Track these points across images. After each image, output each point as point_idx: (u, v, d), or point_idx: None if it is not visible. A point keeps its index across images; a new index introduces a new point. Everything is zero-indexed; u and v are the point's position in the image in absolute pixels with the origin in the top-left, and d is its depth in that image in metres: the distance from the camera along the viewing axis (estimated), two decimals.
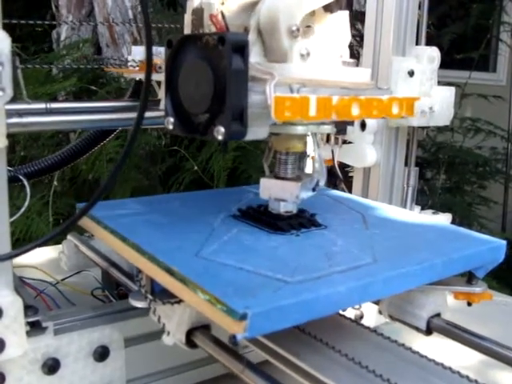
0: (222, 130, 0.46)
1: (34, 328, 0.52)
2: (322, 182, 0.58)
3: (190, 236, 0.55)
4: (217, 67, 0.45)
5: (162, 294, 0.51)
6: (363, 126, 0.79)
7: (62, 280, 0.81)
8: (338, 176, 0.83)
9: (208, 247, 0.51)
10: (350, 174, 0.91)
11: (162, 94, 0.65)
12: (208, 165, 1.84)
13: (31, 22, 0.70)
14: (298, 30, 0.51)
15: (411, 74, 0.76)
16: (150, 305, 0.52)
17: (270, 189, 0.58)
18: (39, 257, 0.93)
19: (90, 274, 0.79)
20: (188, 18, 0.54)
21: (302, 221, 0.58)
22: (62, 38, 2.24)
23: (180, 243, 0.53)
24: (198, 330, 0.51)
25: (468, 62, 3.00)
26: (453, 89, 0.79)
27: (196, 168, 1.84)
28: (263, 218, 0.59)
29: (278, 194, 0.57)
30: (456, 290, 0.57)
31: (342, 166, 0.83)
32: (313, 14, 0.54)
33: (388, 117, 0.53)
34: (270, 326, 0.40)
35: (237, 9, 0.53)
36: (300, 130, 0.53)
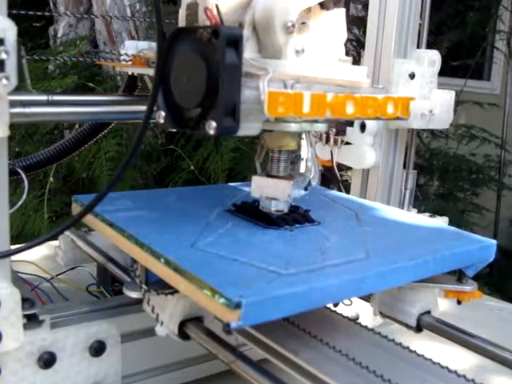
0: (214, 124, 0.45)
1: (31, 321, 0.52)
2: (315, 182, 0.58)
3: (186, 229, 0.55)
4: (210, 61, 0.44)
5: (157, 285, 0.51)
6: (363, 127, 0.79)
7: (57, 275, 0.81)
8: (336, 177, 0.83)
9: (203, 239, 0.52)
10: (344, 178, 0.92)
11: None
12: (205, 165, 1.84)
13: (31, 12, 0.69)
14: (293, 26, 0.50)
15: (412, 76, 0.76)
16: (144, 295, 0.52)
17: (261, 187, 0.57)
18: (34, 252, 0.92)
19: (85, 269, 0.79)
20: (182, 12, 0.54)
21: (295, 217, 0.59)
22: (59, 34, 2.23)
23: (176, 235, 0.53)
24: (191, 322, 0.51)
25: (463, 69, 3.01)
26: (453, 92, 0.79)
27: (192, 168, 1.83)
28: (258, 213, 0.59)
29: (269, 193, 0.56)
30: (446, 289, 0.58)
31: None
32: (308, 10, 0.53)
33: (383, 116, 0.52)
34: (264, 316, 0.41)
35: (232, 4, 0.52)
36: (293, 127, 0.52)
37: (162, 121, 0.49)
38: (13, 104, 0.46)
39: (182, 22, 0.54)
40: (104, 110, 0.58)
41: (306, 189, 0.58)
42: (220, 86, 0.43)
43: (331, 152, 0.81)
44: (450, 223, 0.76)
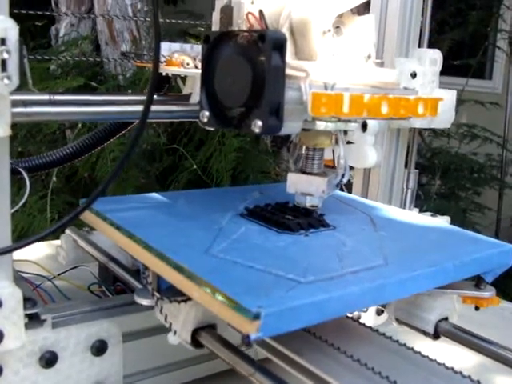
0: (260, 123, 0.47)
1: (33, 320, 0.52)
2: (346, 179, 0.59)
3: (198, 234, 0.54)
4: (255, 63, 0.47)
5: (169, 292, 0.50)
6: (364, 126, 0.79)
7: (59, 275, 0.81)
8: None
9: (217, 245, 0.51)
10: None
11: (187, 89, 0.67)
12: (208, 164, 1.82)
13: (32, 12, 0.69)
14: (329, 30, 0.53)
15: (413, 75, 0.76)
16: (156, 303, 0.51)
17: (296, 183, 0.59)
18: (36, 252, 0.92)
19: (86, 269, 0.78)
20: (216, 16, 0.56)
21: (310, 221, 0.58)
22: (61, 34, 2.23)
23: (188, 240, 0.52)
24: (204, 330, 0.50)
25: (464, 68, 3.01)
26: (454, 92, 0.79)
27: (195, 167, 1.82)
28: (271, 217, 0.58)
29: (304, 189, 0.58)
30: (464, 294, 0.57)
31: None
32: (341, 15, 0.56)
33: (414, 116, 0.54)
34: (284, 327, 0.40)
35: (266, 9, 0.53)
36: (330, 126, 0.54)
37: (205, 119, 0.52)
38: (14, 104, 0.46)
39: (215, 25, 0.56)
40: (106, 110, 0.58)
41: (337, 185, 0.59)
42: (266, 87, 0.46)
43: (333, 151, 0.81)
44: (452, 222, 0.76)
